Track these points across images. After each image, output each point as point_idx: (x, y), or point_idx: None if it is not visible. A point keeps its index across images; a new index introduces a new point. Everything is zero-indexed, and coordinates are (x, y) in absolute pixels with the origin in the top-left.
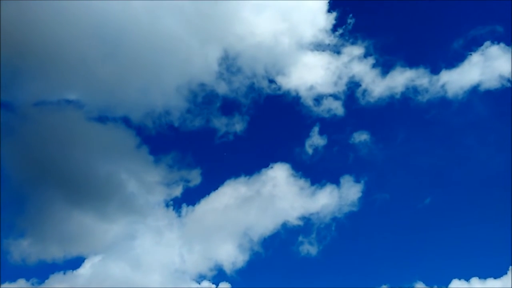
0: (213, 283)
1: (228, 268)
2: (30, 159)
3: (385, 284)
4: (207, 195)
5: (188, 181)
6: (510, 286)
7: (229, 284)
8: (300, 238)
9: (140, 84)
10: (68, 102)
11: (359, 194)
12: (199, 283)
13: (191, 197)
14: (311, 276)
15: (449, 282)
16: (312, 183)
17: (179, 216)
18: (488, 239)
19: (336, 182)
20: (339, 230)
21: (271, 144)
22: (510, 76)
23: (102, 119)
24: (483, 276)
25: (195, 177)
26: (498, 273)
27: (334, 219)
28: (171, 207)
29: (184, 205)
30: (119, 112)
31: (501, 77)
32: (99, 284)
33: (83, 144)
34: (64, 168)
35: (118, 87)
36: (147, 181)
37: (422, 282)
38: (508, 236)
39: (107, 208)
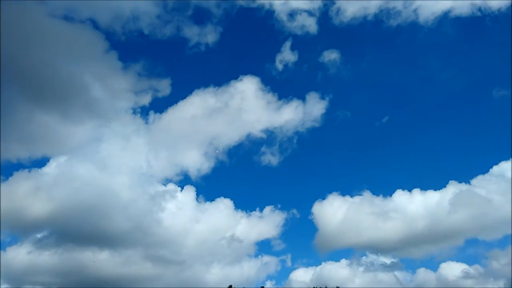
0: (178, 186)
1: (193, 174)
2: None
3: (336, 191)
4: (175, 104)
5: (157, 90)
6: (448, 198)
7: (194, 188)
8: (263, 149)
9: None
10: None
11: (322, 111)
12: (165, 186)
13: (159, 105)
14: (271, 183)
15: (393, 192)
16: (279, 98)
17: (147, 123)
18: (432, 155)
19: (302, 98)
20: (300, 144)
21: (241, 57)
22: (481, 5)
23: (67, 18)
24: (424, 188)
25: (164, 87)
26: (437, 186)
27: (297, 133)
28: (139, 114)
29: (151, 113)
30: (84, 13)
31: (473, 4)
32: (66, 183)
33: (47, 42)
34: (25, 65)
35: None
36: (114, 87)
37: (369, 191)
38: (449, 153)
39: (71, 110)
